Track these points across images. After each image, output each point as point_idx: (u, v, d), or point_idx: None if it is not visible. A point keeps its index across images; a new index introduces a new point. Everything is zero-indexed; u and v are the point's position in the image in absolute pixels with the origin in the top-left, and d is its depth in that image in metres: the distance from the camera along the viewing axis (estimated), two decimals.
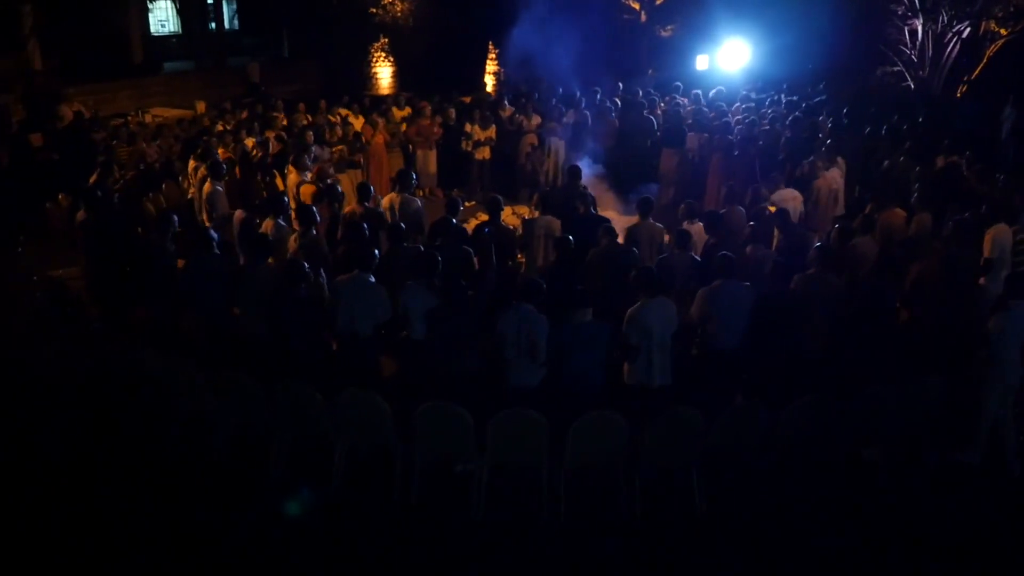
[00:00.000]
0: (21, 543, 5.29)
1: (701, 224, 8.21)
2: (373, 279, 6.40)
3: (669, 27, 21.65)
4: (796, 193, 9.68)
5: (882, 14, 19.30)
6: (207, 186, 9.30)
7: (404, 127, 13.37)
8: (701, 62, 20.60)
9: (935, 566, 5.27)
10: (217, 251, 7.16)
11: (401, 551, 5.33)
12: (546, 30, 15.97)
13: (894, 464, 6.04)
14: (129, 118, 15.01)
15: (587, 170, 11.23)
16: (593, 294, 6.32)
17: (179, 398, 6.36)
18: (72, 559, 5.18)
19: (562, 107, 13.93)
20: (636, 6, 21.33)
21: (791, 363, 6.34)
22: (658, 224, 8.18)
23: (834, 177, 10.13)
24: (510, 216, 10.59)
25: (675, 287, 6.91)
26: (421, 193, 12.86)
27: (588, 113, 13.87)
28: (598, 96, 15.14)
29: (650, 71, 20.29)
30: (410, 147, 13.27)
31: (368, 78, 21.62)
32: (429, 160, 13.36)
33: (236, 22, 28.78)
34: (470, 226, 8.69)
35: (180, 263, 7.57)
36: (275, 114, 13.59)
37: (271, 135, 12.05)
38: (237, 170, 10.49)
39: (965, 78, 18.59)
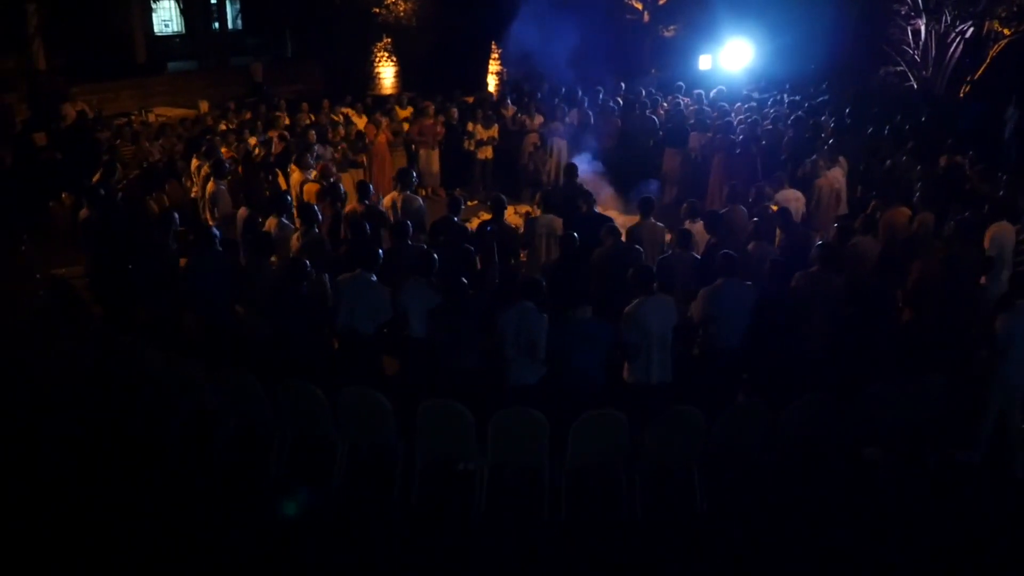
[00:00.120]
0: (22, 542, 5.30)
1: (703, 223, 8.21)
2: (375, 278, 6.41)
3: (672, 27, 21.65)
4: (799, 194, 9.68)
5: (885, 14, 19.29)
6: (210, 185, 9.33)
7: (407, 127, 13.39)
8: (704, 62, 20.60)
9: (935, 565, 5.27)
10: (220, 249, 7.18)
11: (402, 549, 5.34)
12: (549, 30, 15.98)
13: (895, 463, 6.03)
14: (132, 117, 15.05)
15: (587, 167, 11.24)
16: (597, 293, 6.33)
17: (181, 396, 6.37)
18: (73, 558, 5.19)
19: (564, 107, 13.95)
20: (639, 6, 21.34)
21: (792, 362, 6.34)
22: (659, 224, 8.18)
23: (836, 176, 10.14)
24: (512, 215, 10.59)
25: (676, 287, 6.90)
26: (424, 192, 12.89)
27: (591, 113, 13.88)
28: (600, 96, 15.15)
29: (653, 71, 20.30)
30: (413, 146, 13.29)
31: (371, 78, 21.64)
32: (432, 159, 13.38)
33: (239, 22, 28.84)
34: (473, 225, 8.71)
35: (182, 261, 7.61)
36: (278, 114, 13.62)
37: (274, 134, 12.08)
38: (240, 169, 10.51)
39: (968, 78, 18.57)
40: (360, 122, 13.41)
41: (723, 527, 5.53)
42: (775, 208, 8.77)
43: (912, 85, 19.17)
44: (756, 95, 16.36)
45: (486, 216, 9.04)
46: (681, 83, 16.71)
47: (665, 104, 14.93)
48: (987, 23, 18.08)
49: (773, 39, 19.52)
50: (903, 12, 18.89)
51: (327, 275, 7.16)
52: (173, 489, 5.87)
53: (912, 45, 19.09)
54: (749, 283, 6.41)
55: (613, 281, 6.99)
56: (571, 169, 9.88)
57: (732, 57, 19.71)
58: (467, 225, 8.48)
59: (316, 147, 11.00)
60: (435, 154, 13.40)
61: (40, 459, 6.20)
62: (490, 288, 7.18)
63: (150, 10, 24.86)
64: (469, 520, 5.52)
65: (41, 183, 11.61)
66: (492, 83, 20.97)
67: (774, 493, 5.76)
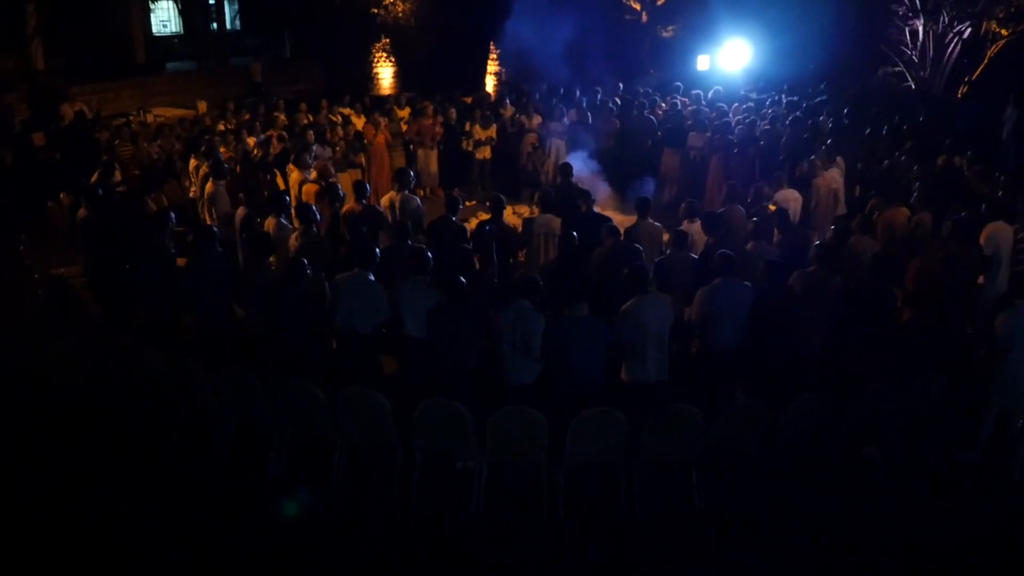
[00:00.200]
0: (22, 541, 5.30)
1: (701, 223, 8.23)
2: (373, 277, 6.42)
3: (670, 27, 21.69)
4: (797, 194, 9.70)
5: (883, 14, 19.32)
6: (209, 185, 9.33)
7: (405, 127, 13.41)
8: (702, 62, 20.62)
9: (935, 565, 5.27)
10: (219, 249, 7.19)
11: (401, 548, 5.35)
12: (547, 30, 16.00)
13: (894, 462, 6.04)
14: (131, 118, 15.05)
15: (584, 167, 11.24)
16: (597, 293, 6.33)
17: (180, 396, 6.37)
18: (73, 558, 5.19)
19: (563, 107, 13.95)
20: (637, 7, 21.37)
21: (791, 362, 6.35)
22: (657, 224, 8.19)
23: (833, 176, 10.16)
24: (511, 216, 10.60)
25: (674, 288, 6.90)
26: (422, 193, 12.91)
27: (589, 113, 13.89)
28: (599, 96, 15.16)
29: (651, 71, 20.31)
30: (411, 147, 13.30)
31: (370, 78, 21.65)
32: (430, 160, 13.39)
33: (238, 22, 28.86)
34: (471, 225, 8.71)
35: (181, 261, 7.61)
36: (276, 114, 13.63)
37: (272, 134, 12.10)
38: (239, 169, 10.52)
39: (966, 78, 18.59)
40: (359, 122, 13.43)
41: (721, 526, 5.53)
42: (773, 208, 8.79)
43: (910, 85, 19.20)
44: (755, 95, 16.38)
45: (484, 216, 9.06)
46: (679, 83, 16.72)
47: (663, 104, 14.94)
48: (985, 24, 18.11)
49: (771, 39, 19.54)
50: (901, 12, 18.92)
51: (325, 275, 7.17)
52: (173, 488, 5.86)
53: (910, 45, 19.12)
54: (747, 283, 6.41)
55: (613, 281, 7.00)
56: (566, 169, 9.88)
57: (730, 57, 19.73)
58: (465, 225, 8.49)
59: (315, 147, 11.02)
60: (433, 154, 13.41)
61: (39, 459, 6.20)
62: (489, 288, 7.19)
63: (149, 10, 24.89)
64: (468, 519, 5.52)
65: (40, 183, 11.60)
66: (490, 83, 20.98)
67: (773, 493, 5.76)
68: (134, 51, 22.36)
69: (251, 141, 11.73)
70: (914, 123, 13.55)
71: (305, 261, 6.51)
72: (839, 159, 10.68)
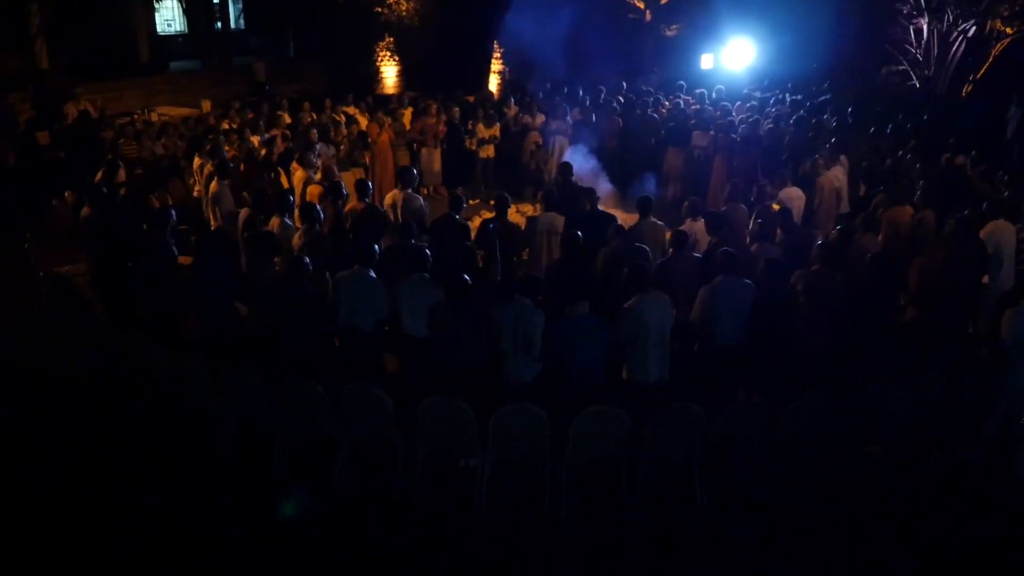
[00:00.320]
0: (24, 540, 5.32)
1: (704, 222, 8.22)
2: (373, 274, 6.43)
3: (674, 26, 21.65)
4: (800, 192, 9.69)
5: (887, 13, 19.27)
6: (213, 184, 9.35)
7: (409, 126, 13.42)
8: (706, 61, 20.60)
9: (936, 564, 5.27)
10: (223, 249, 7.22)
11: (403, 546, 5.36)
12: (551, 29, 16.00)
13: (895, 461, 6.04)
14: (135, 117, 15.08)
15: (586, 165, 11.24)
16: (599, 293, 6.33)
17: (183, 394, 6.39)
18: (75, 556, 5.20)
19: (566, 106, 13.96)
20: (641, 5, 21.34)
21: (793, 360, 6.35)
22: (659, 222, 8.19)
23: (837, 175, 10.15)
24: (514, 214, 10.61)
25: (675, 289, 6.89)
26: (426, 191, 12.94)
27: (592, 112, 13.89)
28: (602, 95, 15.16)
29: (654, 70, 20.30)
30: (414, 145, 13.31)
31: (373, 77, 21.67)
32: (433, 158, 13.39)
33: (242, 21, 28.90)
34: (475, 224, 8.72)
35: (184, 260, 7.64)
36: (279, 113, 13.65)
37: (276, 133, 12.12)
38: (242, 167, 10.54)
39: (971, 77, 18.56)
40: (363, 121, 13.44)
41: (723, 524, 5.53)
42: (776, 207, 8.78)
43: (914, 84, 19.17)
44: (758, 94, 16.37)
45: (488, 215, 9.06)
46: (682, 82, 16.72)
47: (667, 103, 14.95)
48: (989, 22, 18.06)
49: (775, 38, 19.52)
50: (905, 11, 18.88)
51: (328, 273, 7.18)
52: (175, 486, 5.88)
53: (914, 44, 19.08)
54: (748, 281, 6.41)
55: (618, 281, 6.99)
56: (566, 168, 9.88)
57: (734, 56, 19.71)
58: (469, 224, 8.49)
59: (318, 145, 11.04)
60: (437, 153, 13.42)
61: (41, 457, 6.22)
62: (492, 286, 7.20)
63: (153, 10, 24.93)
64: (470, 517, 5.53)
65: (44, 182, 11.64)
66: (494, 82, 20.98)
67: (775, 491, 5.76)
68: (138, 50, 22.42)
69: (255, 140, 11.76)
70: (918, 122, 13.53)
71: (307, 260, 6.52)
72: (842, 158, 10.68)
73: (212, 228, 9.10)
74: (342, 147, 12.01)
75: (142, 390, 6.63)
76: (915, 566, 5.25)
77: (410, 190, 9.04)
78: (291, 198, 8.81)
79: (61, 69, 18.43)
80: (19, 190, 11.90)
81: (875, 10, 19.93)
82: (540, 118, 13.66)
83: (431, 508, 5.64)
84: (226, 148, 10.73)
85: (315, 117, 13.38)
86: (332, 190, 8.93)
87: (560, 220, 8.20)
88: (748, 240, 8.01)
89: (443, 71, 18.76)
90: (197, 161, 10.72)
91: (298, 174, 10.11)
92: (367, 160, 12.32)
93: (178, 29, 27.69)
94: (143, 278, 7.49)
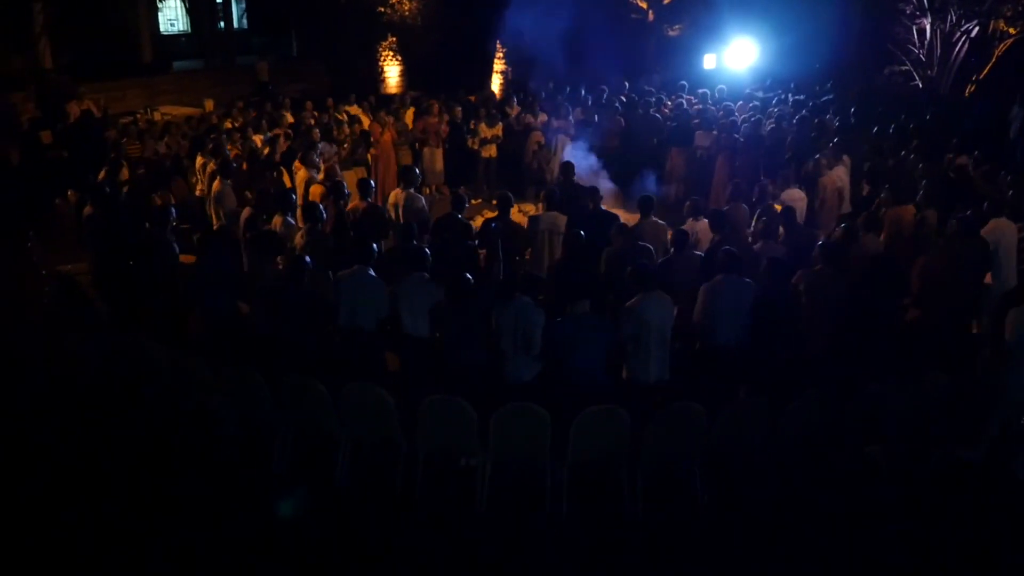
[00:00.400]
0: (24, 538, 5.33)
1: (707, 221, 8.22)
2: (373, 273, 6.44)
3: (677, 26, 21.63)
4: (802, 193, 9.69)
5: (890, 13, 19.25)
6: (216, 184, 9.37)
7: (411, 125, 13.44)
8: (709, 61, 20.59)
9: (937, 564, 5.27)
10: (226, 248, 7.24)
11: (404, 545, 5.36)
12: (553, 28, 16.01)
13: (896, 461, 6.03)
14: (138, 116, 15.11)
15: (584, 164, 11.25)
16: (601, 292, 6.33)
17: (184, 393, 6.40)
18: (76, 555, 5.21)
19: (568, 106, 13.97)
20: (644, 5, 21.33)
21: (794, 360, 6.34)
22: (661, 222, 8.19)
23: (839, 175, 10.14)
24: (516, 214, 10.61)
25: (676, 289, 6.89)
26: (428, 191, 12.95)
27: (595, 111, 13.89)
28: (605, 95, 15.17)
29: (657, 70, 20.29)
30: (417, 145, 13.33)
31: (376, 77, 21.69)
32: (436, 158, 13.41)
33: (245, 21, 28.96)
34: (477, 223, 8.72)
35: (187, 259, 7.65)
36: (283, 112, 13.67)
37: (279, 132, 12.14)
38: (245, 167, 10.56)
39: (974, 77, 18.53)
40: (365, 120, 13.46)
41: (724, 524, 5.54)
42: (779, 208, 8.78)
43: (917, 84, 19.14)
44: (760, 94, 16.36)
45: (490, 214, 9.07)
46: (684, 82, 16.72)
47: (669, 103, 14.95)
48: (993, 22, 18.03)
49: (778, 38, 19.50)
50: (908, 11, 18.86)
51: (330, 273, 7.19)
52: (177, 485, 5.89)
53: (917, 44, 19.06)
54: (748, 280, 6.41)
55: (621, 281, 6.99)
56: (568, 167, 9.88)
57: (737, 56, 19.70)
58: (471, 223, 8.50)
59: (321, 145, 11.06)
60: (439, 152, 13.43)
61: (43, 454, 6.23)
62: (494, 285, 7.20)
63: (156, 9, 24.96)
64: (471, 516, 5.53)
65: (47, 181, 11.67)
66: (497, 82, 20.98)
67: (775, 490, 5.76)
68: (141, 50, 22.43)
69: (257, 139, 11.77)
70: (921, 122, 13.52)
71: (307, 259, 6.53)
72: (845, 157, 10.67)
73: (215, 227, 9.12)
74: (345, 146, 12.02)
75: (143, 389, 6.64)
76: (915, 566, 5.24)
77: (412, 190, 9.05)
78: (293, 197, 8.84)
79: (64, 68, 18.44)
80: (22, 189, 11.92)
81: (878, 10, 19.91)
82: (542, 118, 13.68)
83: (432, 507, 5.64)
84: (228, 147, 10.75)
85: (317, 116, 13.39)
86: (334, 190, 8.95)
87: (562, 220, 8.21)
88: (751, 238, 8.01)
89: (446, 71, 18.76)
90: (200, 160, 10.74)
91: (300, 173, 10.12)
92: (369, 159, 12.33)
93: (181, 29, 27.73)
94: (145, 277, 7.51)
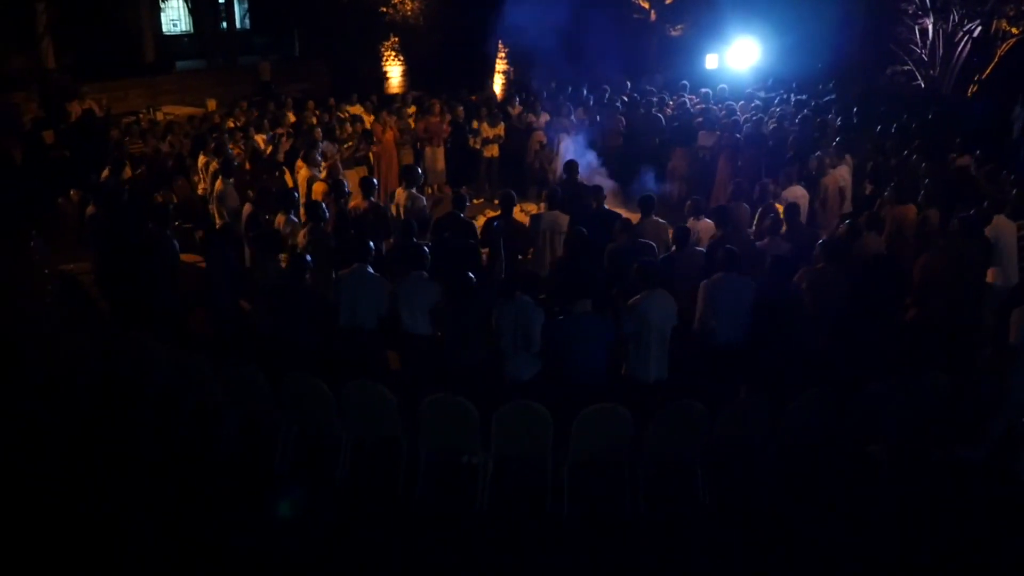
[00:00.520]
0: (26, 535, 5.33)
1: (707, 221, 8.22)
2: (372, 270, 6.45)
3: (679, 26, 21.65)
4: (804, 191, 9.68)
5: (892, 13, 19.26)
6: (218, 183, 9.38)
7: (412, 124, 13.44)
8: (711, 61, 20.60)
9: (938, 563, 5.26)
10: (228, 247, 7.25)
11: (406, 543, 5.37)
12: (555, 28, 16.01)
13: (898, 460, 6.03)
14: (140, 116, 15.12)
15: (589, 164, 11.25)
16: (602, 291, 6.32)
17: (186, 391, 6.41)
18: (78, 552, 5.21)
19: (570, 105, 13.97)
20: (646, 5, 21.34)
21: (795, 358, 6.34)
22: (662, 221, 8.19)
23: (842, 174, 10.14)
24: (518, 213, 10.62)
25: (677, 286, 6.89)
26: (429, 190, 12.96)
27: (597, 111, 13.89)
28: (607, 95, 15.16)
29: (659, 70, 20.30)
30: (418, 144, 13.33)
31: (378, 77, 21.71)
32: (437, 157, 13.40)
33: (247, 21, 28.96)
34: (479, 223, 8.72)
35: (189, 258, 7.67)
36: (284, 111, 13.68)
37: (281, 132, 12.15)
38: (247, 166, 10.57)
39: (976, 77, 18.53)
40: (368, 120, 13.47)
41: (725, 522, 5.53)
42: (780, 207, 8.77)
43: (920, 84, 19.13)
44: (762, 94, 16.36)
45: (492, 213, 9.07)
46: (685, 82, 16.72)
47: (671, 103, 14.94)
48: (995, 22, 18.05)
49: (780, 38, 19.52)
50: (910, 11, 18.87)
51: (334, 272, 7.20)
52: (178, 482, 5.90)
53: (920, 44, 19.06)
54: (748, 279, 6.40)
55: (624, 277, 6.99)
56: (571, 166, 9.88)
57: (739, 56, 19.70)
58: (474, 222, 8.50)
59: (323, 144, 11.07)
60: (440, 152, 13.43)
61: (46, 453, 6.24)
62: (496, 283, 7.21)
63: (159, 9, 24.97)
64: (473, 514, 5.53)
65: (50, 180, 11.68)
66: (499, 82, 21.00)
67: (777, 489, 5.76)
68: (144, 50, 22.44)
69: (260, 139, 11.78)
70: (923, 121, 13.52)
71: (308, 257, 6.54)
72: (848, 157, 10.66)
73: (217, 226, 9.13)
74: (347, 145, 12.04)
75: (145, 387, 6.65)
76: (917, 566, 5.24)
77: (414, 189, 9.06)
78: (296, 195, 8.85)
79: (67, 68, 18.46)
80: (25, 188, 11.95)
81: (880, 10, 19.92)
82: (544, 117, 13.67)
83: (434, 505, 5.64)
84: (231, 147, 10.76)
85: (319, 115, 13.41)
86: (334, 188, 8.96)
87: (564, 219, 8.21)
88: (755, 236, 8.01)
89: (447, 70, 18.77)
90: (202, 159, 10.75)
91: (302, 172, 10.13)
92: (371, 158, 12.34)
93: (184, 29, 27.75)
94: (147, 275, 7.52)
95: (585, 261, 7.19)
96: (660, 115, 13.88)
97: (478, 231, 8.29)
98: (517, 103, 14.89)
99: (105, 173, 9.89)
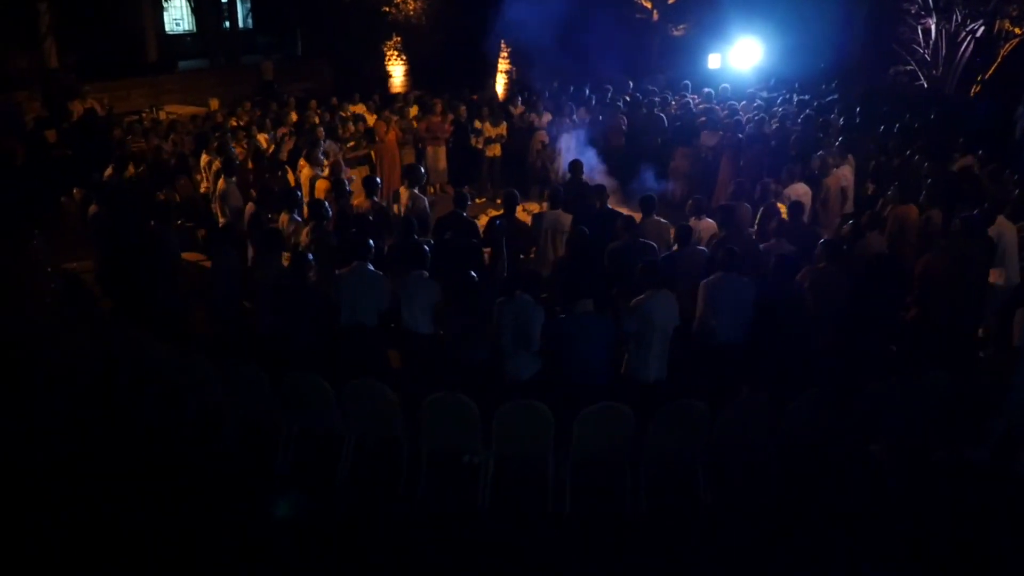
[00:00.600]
0: (26, 535, 5.34)
1: (709, 220, 8.22)
2: (372, 267, 6.45)
3: (681, 26, 21.64)
4: (807, 188, 9.68)
5: (895, 13, 19.25)
6: (221, 182, 9.39)
7: (415, 123, 13.45)
8: (713, 61, 20.59)
9: (939, 562, 5.26)
10: (230, 246, 7.26)
11: (407, 541, 5.37)
12: (558, 28, 16.00)
13: (899, 460, 6.02)
14: (143, 115, 15.13)
15: (590, 164, 11.24)
16: (603, 290, 6.32)
17: (188, 389, 6.42)
18: (78, 551, 5.22)
19: (573, 105, 13.96)
20: (648, 5, 21.33)
21: (797, 357, 6.34)
22: (663, 220, 8.18)
23: (844, 174, 10.14)
24: (520, 212, 10.61)
25: (678, 285, 6.89)
26: (432, 190, 12.96)
27: (599, 111, 13.88)
28: (609, 94, 15.16)
29: (661, 70, 20.30)
30: (420, 144, 13.34)
31: (381, 76, 21.71)
32: (439, 157, 13.40)
33: (250, 21, 28.99)
34: (481, 222, 8.72)
35: (187, 256, 7.67)
36: (287, 111, 13.69)
37: (284, 131, 12.16)
38: (250, 165, 10.58)
39: (979, 77, 18.51)
40: (370, 119, 13.48)
41: (727, 522, 5.53)
42: (783, 206, 8.76)
43: (922, 84, 19.11)
44: (764, 94, 16.35)
45: (494, 213, 9.06)
46: (687, 82, 16.70)
47: (674, 103, 14.93)
48: (998, 22, 18.03)
49: (782, 38, 19.50)
50: (913, 11, 18.85)
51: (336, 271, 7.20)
52: (180, 481, 5.90)
53: (922, 44, 19.05)
54: (747, 278, 6.40)
55: (626, 276, 6.99)
56: (576, 166, 9.87)
57: (741, 56, 19.68)
58: (476, 222, 8.50)
59: (325, 143, 11.07)
60: (442, 151, 13.43)
61: (47, 452, 6.25)
62: (498, 282, 7.21)
63: (161, 9, 24.98)
64: (474, 513, 5.54)
65: (52, 179, 11.70)
66: (501, 81, 21.00)
67: (778, 488, 5.76)
68: (147, 49, 22.46)
69: (262, 138, 11.79)
70: (926, 121, 13.51)
71: (310, 256, 6.54)
72: (850, 156, 10.65)
73: (220, 225, 9.14)
74: (350, 144, 12.05)
75: (147, 386, 6.66)
76: (918, 565, 5.24)
77: (416, 189, 9.06)
78: (299, 194, 8.85)
79: (70, 68, 18.47)
80: (27, 187, 11.97)
81: (883, 10, 19.90)
82: (546, 117, 13.67)
83: (435, 504, 5.64)
84: (233, 146, 10.77)
85: (321, 114, 13.41)
86: (335, 187, 8.96)
87: (566, 218, 8.20)
88: (756, 236, 8.00)
89: (450, 70, 18.77)
90: (205, 158, 10.75)
91: (305, 171, 10.14)
92: (373, 156, 12.35)
93: (186, 28, 27.76)
94: (149, 275, 7.53)
95: (587, 261, 7.19)
96: (662, 115, 13.87)
97: (480, 230, 8.29)
98: (519, 103, 14.88)
99: (107, 172, 9.90)
